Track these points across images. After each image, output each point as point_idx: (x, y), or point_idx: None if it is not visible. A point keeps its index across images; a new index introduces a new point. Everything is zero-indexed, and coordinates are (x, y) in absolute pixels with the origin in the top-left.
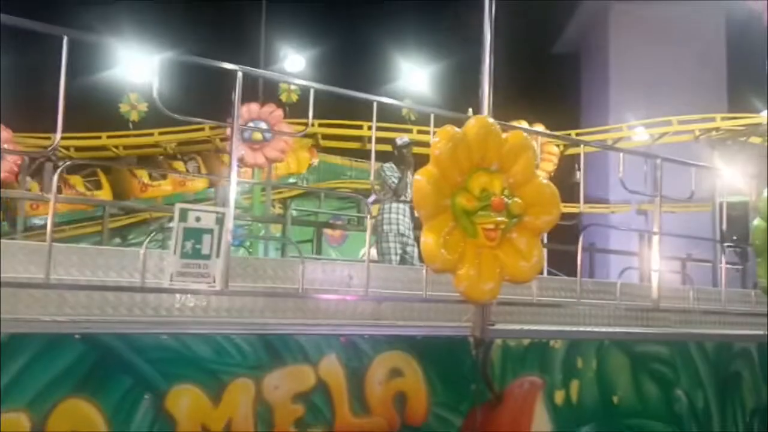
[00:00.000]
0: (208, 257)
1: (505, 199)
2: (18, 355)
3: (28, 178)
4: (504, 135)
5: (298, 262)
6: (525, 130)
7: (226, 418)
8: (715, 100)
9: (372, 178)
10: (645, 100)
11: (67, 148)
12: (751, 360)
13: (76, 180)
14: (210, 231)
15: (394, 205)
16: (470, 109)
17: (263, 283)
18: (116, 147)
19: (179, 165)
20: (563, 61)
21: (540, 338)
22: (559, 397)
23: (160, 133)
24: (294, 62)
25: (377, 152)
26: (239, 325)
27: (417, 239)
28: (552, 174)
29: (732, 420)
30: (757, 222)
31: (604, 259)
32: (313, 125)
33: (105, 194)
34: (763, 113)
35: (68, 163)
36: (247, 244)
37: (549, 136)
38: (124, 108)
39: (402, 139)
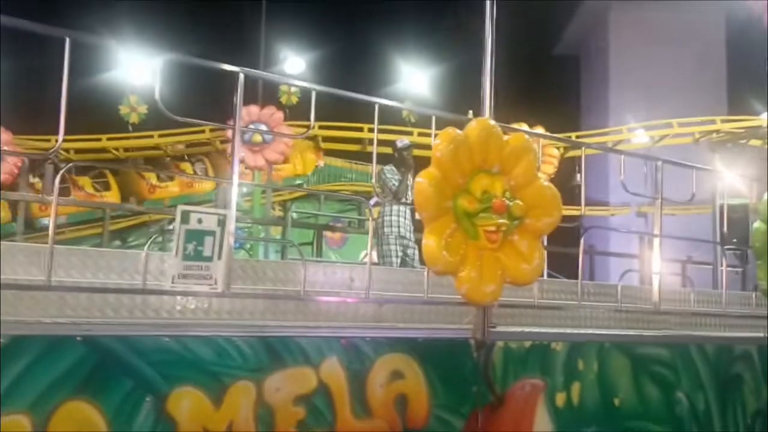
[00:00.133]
0: (210, 259)
1: (507, 202)
2: (19, 357)
3: (36, 179)
4: (505, 137)
5: (298, 265)
6: (526, 132)
7: (227, 420)
8: (715, 101)
9: (374, 180)
10: (645, 102)
11: (67, 150)
12: (752, 362)
13: (84, 181)
14: (212, 233)
15: (395, 207)
16: (470, 112)
17: (264, 285)
18: (116, 149)
19: (187, 166)
20: (563, 63)
21: (541, 340)
22: (560, 399)
23: (160, 136)
24: (294, 64)
25: (378, 154)
26: (240, 327)
27: (417, 242)
28: (552, 176)
29: (733, 422)
30: (757, 224)
31: (603, 262)
32: (313, 127)
33: (113, 195)
34: (763, 115)
35: (70, 165)
36: (248, 246)
37: (550, 138)
38: (123, 110)
39: (402, 141)
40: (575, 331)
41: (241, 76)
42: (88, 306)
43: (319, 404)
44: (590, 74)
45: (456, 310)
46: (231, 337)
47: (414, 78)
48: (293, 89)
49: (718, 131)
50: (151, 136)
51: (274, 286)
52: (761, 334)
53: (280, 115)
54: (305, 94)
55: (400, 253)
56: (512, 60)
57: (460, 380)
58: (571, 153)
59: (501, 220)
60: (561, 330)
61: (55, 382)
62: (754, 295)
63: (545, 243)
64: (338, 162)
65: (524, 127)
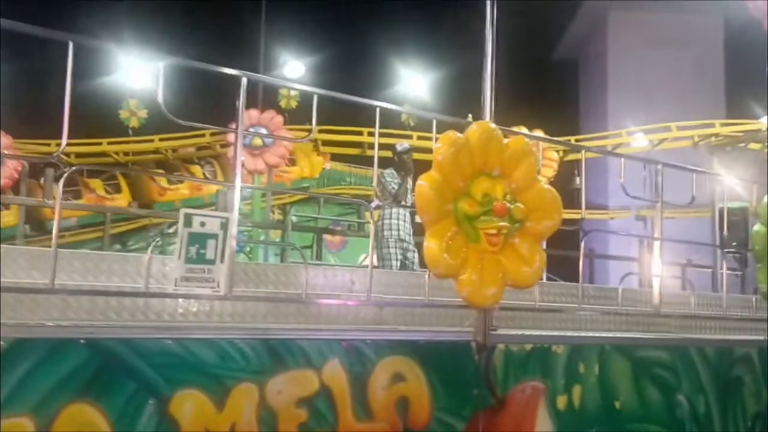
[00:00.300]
0: (212, 262)
1: (507, 204)
2: (23, 359)
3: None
4: (505, 140)
5: (299, 268)
6: (527, 135)
7: (229, 422)
8: (713, 105)
9: (375, 183)
10: (643, 106)
11: (68, 154)
12: (752, 365)
13: (96, 184)
14: (215, 236)
15: (395, 210)
16: (470, 115)
17: (265, 288)
18: (116, 153)
19: (196, 169)
20: (562, 67)
21: (542, 343)
22: (561, 402)
23: (161, 140)
24: (293, 68)
25: (378, 158)
26: (242, 330)
27: (417, 245)
28: (552, 180)
29: (733, 424)
30: (757, 227)
31: (603, 265)
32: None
33: (124, 198)
34: (763, 119)
35: (73, 168)
36: (247, 249)
37: (551, 141)
38: (123, 114)
39: (402, 145)
40: (576, 333)
41: (244, 80)
42: (90, 309)
43: (321, 406)
44: (589, 78)
45: (457, 313)
46: (233, 340)
47: (412, 81)
48: (292, 93)
49: (716, 135)
50: (152, 140)
51: (275, 289)
52: (761, 337)
53: (280, 119)
54: (305, 98)
55: (399, 257)
56: (511, 64)
57: (461, 383)
58: (571, 156)
59: (502, 223)
60: (562, 333)
61: (58, 385)
62: (754, 298)
63: (543, 246)
64: (338, 166)
65: (523, 130)
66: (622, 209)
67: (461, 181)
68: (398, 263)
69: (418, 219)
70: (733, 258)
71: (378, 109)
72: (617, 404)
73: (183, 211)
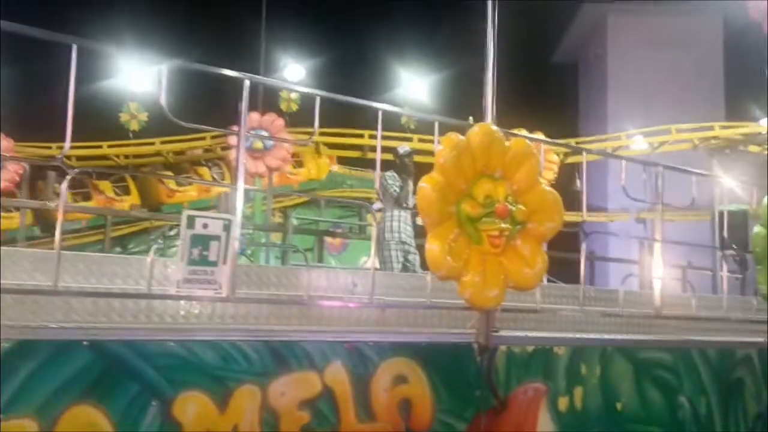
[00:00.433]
0: (215, 264)
1: (509, 206)
2: (26, 361)
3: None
4: (507, 143)
5: (301, 270)
6: (528, 138)
7: (232, 424)
8: (713, 107)
9: (377, 186)
10: (643, 108)
11: (68, 157)
12: (753, 366)
13: (105, 185)
14: (217, 238)
15: (396, 213)
16: (471, 118)
17: (267, 290)
18: (117, 156)
19: (204, 171)
20: (562, 69)
21: (544, 345)
22: (562, 403)
23: (162, 142)
24: (293, 71)
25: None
26: (245, 331)
27: (419, 247)
28: (552, 182)
29: (734, 425)
30: (757, 229)
31: (603, 267)
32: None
33: (133, 200)
34: (762, 122)
35: (76, 171)
36: (248, 252)
37: (553, 144)
38: (124, 117)
39: (403, 147)
40: (577, 335)
41: (246, 83)
42: (93, 311)
43: (324, 408)
44: (588, 81)
45: (459, 315)
46: (236, 342)
47: (412, 84)
48: (293, 96)
49: (716, 137)
50: (153, 143)
51: (277, 291)
52: (762, 339)
53: (280, 122)
54: (305, 101)
55: (401, 259)
56: (511, 67)
57: (464, 384)
58: (571, 159)
59: (504, 225)
60: (563, 334)
61: (62, 386)
62: (754, 300)
63: (545, 248)
64: (338, 169)
65: (524, 133)
66: (622, 211)
67: (463, 183)
68: (400, 266)
69: (419, 221)
70: (733, 260)
71: (380, 112)
72: (619, 406)
73: (185, 213)
